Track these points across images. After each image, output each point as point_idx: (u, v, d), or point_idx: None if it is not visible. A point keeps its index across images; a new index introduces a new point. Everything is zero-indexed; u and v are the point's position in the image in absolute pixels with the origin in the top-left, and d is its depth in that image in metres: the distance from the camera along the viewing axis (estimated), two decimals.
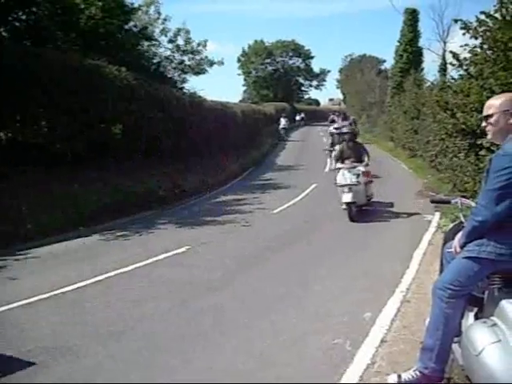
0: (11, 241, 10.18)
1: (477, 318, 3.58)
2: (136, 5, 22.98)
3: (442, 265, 4.06)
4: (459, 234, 3.61)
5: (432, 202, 5.03)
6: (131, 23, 22.64)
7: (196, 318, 5.94)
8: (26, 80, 13.10)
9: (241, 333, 5.47)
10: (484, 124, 3.63)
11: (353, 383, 4.30)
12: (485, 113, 3.61)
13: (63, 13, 17.55)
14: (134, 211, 13.91)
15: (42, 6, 16.69)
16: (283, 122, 41.27)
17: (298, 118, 54.61)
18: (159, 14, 25.17)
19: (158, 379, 4.46)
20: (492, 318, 3.27)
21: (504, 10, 9.38)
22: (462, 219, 3.95)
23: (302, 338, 5.23)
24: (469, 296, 3.57)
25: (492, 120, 3.54)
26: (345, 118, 33.87)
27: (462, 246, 3.52)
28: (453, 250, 3.64)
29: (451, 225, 4.41)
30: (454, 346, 3.62)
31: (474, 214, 3.45)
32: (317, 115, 67.24)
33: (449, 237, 3.99)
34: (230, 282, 7.48)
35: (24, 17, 16.51)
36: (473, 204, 3.89)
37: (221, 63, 28.37)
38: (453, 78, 12.06)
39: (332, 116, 34.66)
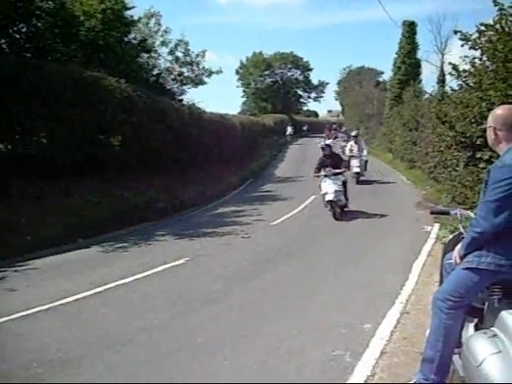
0: (10, 252, 10.15)
1: (477, 328, 3.57)
2: (136, 17, 23.14)
3: (441, 276, 4.06)
4: (459, 245, 3.62)
5: (431, 213, 5.04)
6: (131, 35, 22.76)
7: (195, 330, 5.92)
8: (26, 92, 13.15)
9: (240, 345, 5.45)
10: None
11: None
12: None
13: (63, 25, 17.65)
14: (133, 223, 13.91)
15: (42, 18, 16.78)
16: (289, 129, 49.82)
17: (304, 128, 60.30)
18: (159, 25, 25.30)
19: None
20: (492, 328, 3.27)
21: (503, 22, 9.42)
22: (462, 230, 3.95)
23: (301, 349, 5.21)
24: (469, 307, 3.56)
25: (487, 133, 3.65)
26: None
27: (462, 257, 3.52)
28: (452, 260, 3.64)
29: (451, 236, 4.41)
30: (455, 357, 3.61)
31: (472, 226, 3.46)
32: (315, 127, 67.36)
33: (448, 248, 3.99)
34: (229, 293, 7.45)
35: (24, 29, 16.61)
36: (472, 215, 3.89)
37: (219, 72, 28.55)
38: (452, 90, 12.04)
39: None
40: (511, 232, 3.31)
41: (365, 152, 21.58)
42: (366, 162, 21.88)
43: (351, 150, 21.30)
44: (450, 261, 3.71)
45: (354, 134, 23.49)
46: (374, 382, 4.49)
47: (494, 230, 3.33)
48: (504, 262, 3.33)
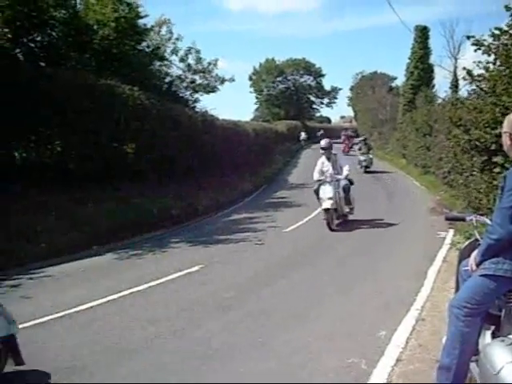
0: (25, 260, 10.23)
1: (494, 336, 3.54)
2: (148, 25, 23.20)
3: (457, 283, 4.02)
4: (475, 252, 3.58)
5: (446, 219, 5.01)
6: (144, 43, 22.85)
7: (209, 337, 5.91)
8: (40, 100, 13.26)
9: (254, 352, 5.43)
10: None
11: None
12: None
13: (77, 34, 17.79)
14: (147, 230, 13.94)
15: (56, 27, 16.93)
16: (303, 135, 54.32)
17: (318, 133, 59.68)
18: (171, 33, 25.35)
19: None
20: (510, 336, 3.23)
21: None
22: (478, 236, 3.91)
23: (316, 357, 5.19)
24: (486, 314, 3.53)
25: (502, 139, 3.60)
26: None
27: (478, 264, 3.49)
28: (469, 267, 3.61)
29: (466, 242, 4.37)
30: (472, 365, 3.57)
31: (489, 233, 3.43)
32: (328, 133, 67.20)
33: (464, 254, 3.96)
34: (243, 300, 7.45)
35: (39, 38, 16.74)
36: (488, 221, 3.85)
37: (232, 80, 28.54)
38: (469, 93, 11.91)
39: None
40: None
41: (345, 172, 13.22)
42: (349, 188, 13.17)
43: (321, 172, 13.18)
44: (467, 268, 3.68)
45: (323, 144, 13.56)
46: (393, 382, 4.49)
47: (510, 236, 3.30)
48: None
